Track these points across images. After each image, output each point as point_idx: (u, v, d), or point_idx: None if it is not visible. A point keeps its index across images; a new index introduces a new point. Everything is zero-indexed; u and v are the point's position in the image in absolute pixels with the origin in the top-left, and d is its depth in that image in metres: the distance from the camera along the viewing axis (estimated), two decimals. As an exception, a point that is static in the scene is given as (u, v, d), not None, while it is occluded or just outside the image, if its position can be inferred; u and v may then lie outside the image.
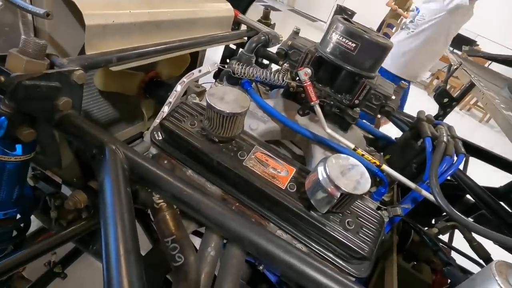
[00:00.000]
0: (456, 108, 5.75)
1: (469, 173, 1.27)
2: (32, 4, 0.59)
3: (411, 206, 0.65)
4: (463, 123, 5.54)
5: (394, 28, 5.65)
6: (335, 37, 0.62)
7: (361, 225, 0.58)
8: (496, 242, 0.46)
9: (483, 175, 1.16)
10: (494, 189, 1.16)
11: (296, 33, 0.73)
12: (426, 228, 1.06)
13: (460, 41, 6.68)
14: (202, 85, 0.90)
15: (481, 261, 0.83)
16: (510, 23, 6.94)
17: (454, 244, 1.13)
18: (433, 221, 1.20)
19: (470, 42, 6.63)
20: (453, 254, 0.99)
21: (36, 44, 0.45)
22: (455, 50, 6.46)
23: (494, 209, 0.75)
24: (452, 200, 1.23)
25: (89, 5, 0.61)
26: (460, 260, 0.98)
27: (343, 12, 7.30)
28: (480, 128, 5.80)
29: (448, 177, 0.77)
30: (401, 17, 6.14)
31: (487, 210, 0.77)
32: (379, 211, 0.64)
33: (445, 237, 1.14)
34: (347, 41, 0.60)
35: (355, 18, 6.20)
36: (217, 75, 1.05)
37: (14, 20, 0.59)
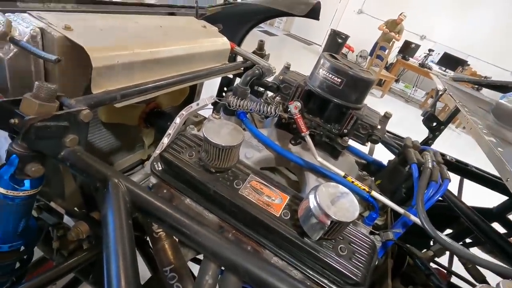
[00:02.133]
0: (452, 126, 5.83)
1: (471, 191, 1.29)
2: (44, 50, 0.65)
3: (402, 230, 0.67)
4: (460, 140, 5.60)
5: (387, 50, 5.88)
6: (322, 72, 0.67)
7: (353, 250, 0.60)
8: (481, 266, 0.49)
9: (488, 193, 1.17)
10: (488, 209, 1.18)
11: (287, 68, 0.79)
12: (424, 250, 1.07)
13: (452, 62, 6.94)
14: (203, 111, 0.94)
15: (477, 284, 0.83)
16: (499, 43, 7.20)
17: (457, 265, 1.13)
18: (431, 243, 1.21)
19: (462, 63, 6.86)
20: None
21: (48, 89, 0.49)
22: (447, 70, 6.65)
23: (485, 231, 0.77)
24: (449, 222, 1.24)
25: (96, 48, 0.66)
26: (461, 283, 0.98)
27: (337, 36, 7.59)
28: (476, 145, 5.86)
29: (442, 200, 0.81)
30: (393, 39, 6.41)
31: (478, 232, 0.78)
32: (371, 236, 0.66)
33: (445, 259, 1.15)
34: (333, 76, 0.66)
35: (349, 41, 6.43)
36: (215, 104, 1.10)
37: (26, 64, 0.64)
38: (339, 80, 0.65)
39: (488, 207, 1.20)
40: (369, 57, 7.45)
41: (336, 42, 7.67)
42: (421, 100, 7.17)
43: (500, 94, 1.29)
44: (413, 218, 0.63)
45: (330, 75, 0.66)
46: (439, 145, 1.33)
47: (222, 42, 1.13)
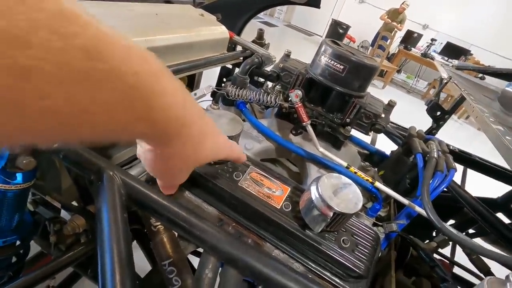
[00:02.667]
0: (454, 117, 5.79)
1: (475, 182, 1.27)
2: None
3: (406, 221, 0.66)
4: (461, 132, 5.56)
5: (389, 41, 5.79)
6: (324, 59, 0.65)
7: (356, 243, 0.59)
8: (488, 257, 0.47)
9: (491, 183, 1.16)
10: (493, 200, 1.16)
11: (287, 55, 0.76)
12: (427, 241, 1.06)
13: (455, 51, 6.85)
14: (202, 102, 0.92)
15: (481, 275, 0.82)
16: (501, 31, 7.09)
17: (459, 256, 1.12)
18: (434, 233, 1.20)
19: (464, 52, 6.76)
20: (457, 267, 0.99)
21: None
22: (449, 60, 6.58)
23: (490, 222, 0.75)
24: (452, 212, 1.23)
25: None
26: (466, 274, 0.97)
27: (338, 26, 7.49)
28: (478, 136, 5.82)
29: (446, 190, 0.79)
30: (395, 29, 6.31)
31: (483, 223, 0.77)
32: (374, 228, 0.65)
33: (448, 250, 1.14)
34: (335, 63, 0.63)
35: (350, 31, 6.35)
36: (214, 94, 1.08)
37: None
38: (342, 67, 0.63)
39: (492, 197, 1.18)
40: (370, 48, 7.36)
41: (337, 33, 7.57)
42: (423, 91, 7.10)
43: (505, 82, 1.26)
44: (418, 209, 0.61)
45: (332, 62, 0.63)
46: (441, 136, 1.31)
47: (221, 31, 1.10)
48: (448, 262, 0.94)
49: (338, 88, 0.64)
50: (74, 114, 0.20)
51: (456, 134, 5.30)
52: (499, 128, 0.72)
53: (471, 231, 1.28)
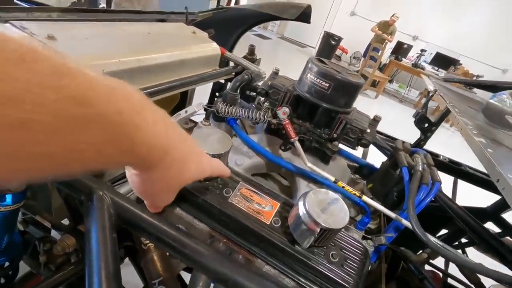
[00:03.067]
0: (446, 125, 5.88)
1: (467, 190, 1.28)
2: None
3: (395, 234, 0.67)
4: (453, 140, 5.64)
5: (380, 52, 5.93)
6: (310, 77, 0.67)
7: (345, 257, 0.60)
8: (468, 269, 0.48)
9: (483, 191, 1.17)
10: (482, 209, 1.18)
11: (275, 73, 0.78)
12: (420, 252, 1.07)
13: (444, 61, 7.02)
14: (195, 116, 0.93)
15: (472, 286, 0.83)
16: (489, 41, 7.30)
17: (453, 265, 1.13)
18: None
19: (454, 62, 6.93)
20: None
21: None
22: (439, 70, 6.72)
23: (477, 232, 0.77)
24: (443, 222, 1.24)
25: (80, 58, 0.65)
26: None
27: (330, 38, 7.65)
28: (472, 143, 5.90)
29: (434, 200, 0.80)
30: (386, 41, 6.46)
31: (471, 233, 0.78)
32: (363, 241, 0.66)
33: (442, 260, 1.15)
34: (321, 81, 0.65)
35: (342, 43, 6.49)
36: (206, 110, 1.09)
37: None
38: (327, 84, 0.65)
39: (482, 206, 1.20)
40: (363, 58, 7.51)
41: (329, 44, 7.73)
42: (415, 100, 7.23)
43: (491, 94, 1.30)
44: (405, 222, 0.62)
45: (318, 80, 0.66)
46: (434, 144, 1.34)
47: (212, 48, 1.13)
48: (440, 273, 0.94)
49: (324, 105, 0.67)
50: (65, 154, 0.22)
51: (449, 142, 5.38)
52: (481, 141, 0.74)
53: (464, 240, 1.30)
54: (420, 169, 0.66)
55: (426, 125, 1.12)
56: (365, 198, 0.65)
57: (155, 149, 0.30)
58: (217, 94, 1.50)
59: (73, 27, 0.78)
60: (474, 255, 1.14)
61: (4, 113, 0.17)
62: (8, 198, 0.51)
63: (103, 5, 3.57)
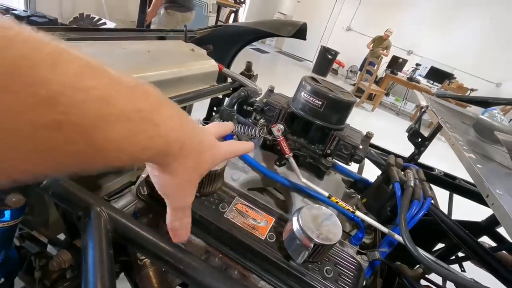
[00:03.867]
0: (443, 138, 5.93)
1: (464, 203, 1.28)
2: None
3: (388, 249, 0.68)
4: (450, 153, 5.67)
5: (376, 66, 6.05)
6: (303, 95, 0.69)
7: (339, 272, 0.60)
8: (460, 285, 0.49)
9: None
10: (476, 223, 1.19)
11: (271, 91, 0.81)
12: (417, 267, 1.07)
13: (439, 75, 7.15)
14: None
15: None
16: (483, 55, 7.46)
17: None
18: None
19: (448, 76, 7.07)
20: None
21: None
22: (434, 83, 6.83)
23: (471, 247, 0.77)
24: (440, 237, 1.25)
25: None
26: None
27: (327, 52, 7.81)
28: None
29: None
30: (381, 55, 6.61)
31: (465, 248, 0.79)
32: (358, 256, 0.66)
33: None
34: (314, 99, 0.68)
35: (339, 57, 6.62)
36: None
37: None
38: (320, 102, 0.67)
39: (477, 220, 1.21)
40: (359, 72, 7.65)
41: (326, 58, 7.88)
42: (412, 113, 7.32)
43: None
44: (397, 237, 0.63)
45: (311, 98, 0.68)
46: (430, 157, 1.35)
47: (210, 65, 1.16)
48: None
49: (317, 122, 0.69)
50: (92, 152, 0.23)
51: (446, 154, 5.41)
52: (471, 156, 0.76)
53: (461, 254, 1.30)
54: (412, 184, 0.68)
55: (419, 139, 1.15)
56: (358, 213, 0.66)
57: (172, 143, 0.32)
58: (214, 109, 1.53)
59: (74, 46, 0.81)
60: (473, 269, 1.14)
61: (40, 115, 0.18)
62: (7, 214, 0.52)
63: (104, 20, 3.66)
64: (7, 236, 0.54)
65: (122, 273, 0.86)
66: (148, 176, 0.69)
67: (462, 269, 1.28)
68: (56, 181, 0.55)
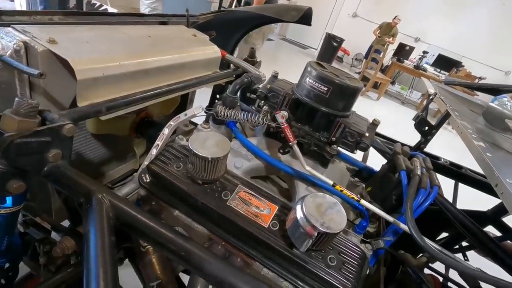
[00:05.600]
0: (449, 127, 5.85)
1: (469, 192, 1.26)
2: (28, 63, 0.64)
3: (393, 238, 0.67)
4: (456, 142, 5.61)
5: (382, 53, 5.92)
6: (309, 81, 0.67)
7: (343, 261, 0.60)
8: (465, 275, 0.48)
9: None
10: (482, 213, 1.18)
11: (275, 76, 0.79)
12: (419, 256, 1.06)
13: (447, 63, 6.99)
14: (195, 118, 0.93)
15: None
16: (491, 43, 7.27)
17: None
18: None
19: (456, 64, 6.91)
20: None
21: (28, 105, 0.49)
22: (442, 71, 6.70)
23: (476, 236, 0.76)
24: (444, 226, 1.24)
25: (81, 61, 0.66)
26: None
27: (332, 40, 7.65)
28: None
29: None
30: (387, 43, 6.46)
31: (470, 237, 0.78)
32: (362, 245, 0.66)
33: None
34: (319, 85, 0.65)
35: (344, 44, 6.48)
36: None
37: (10, 77, 0.63)
38: (326, 88, 0.65)
39: (482, 210, 1.20)
40: (364, 60, 7.50)
41: (331, 46, 7.72)
42: (417, 102, 7.20)
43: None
44: (403, 226, 0.62)
45: (317, 84, 0.66)
46: (436, 146, 1.32)
47: (213, 51, 1.13)
48: (439, 277, 0.94)
49: (323, 109, 0.67)
50: None
51: (452, 144, 5.35)
52: (480, 145, 0.74)
53: (465, 243, 1.29)
54: (419, 173, 0.66)
55: (426, 128, 1.12)
56: (363, 201, 0.65)
57: None
58: (217, 96, 1.50)
59: (74, 30, 0.79)
60: (475, 258, 1.13)
61: None
62: (9, 200, 0.52)
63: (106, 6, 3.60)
64: (10, 222, 0.54)
65: (127, 260, 0.87)
66: (150, 163, 0.69)
67: (466, 258, 1.28)
68: (57, 168, 0.54)
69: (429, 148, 1.24)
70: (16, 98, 0.49)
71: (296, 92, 0.71)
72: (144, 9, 3.44)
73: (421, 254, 1.10)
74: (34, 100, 0.51)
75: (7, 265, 0.61)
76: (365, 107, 5.68)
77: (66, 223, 0.85)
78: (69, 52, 0.65)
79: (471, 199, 1.40)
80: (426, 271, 0.98)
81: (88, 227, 0.47)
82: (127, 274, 0.84)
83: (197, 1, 4.54)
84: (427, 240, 0.57)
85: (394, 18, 6.49)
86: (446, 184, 1.23)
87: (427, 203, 0.63)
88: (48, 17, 0.83)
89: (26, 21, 0.78)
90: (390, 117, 5.92)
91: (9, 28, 0.65)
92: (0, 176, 0.48)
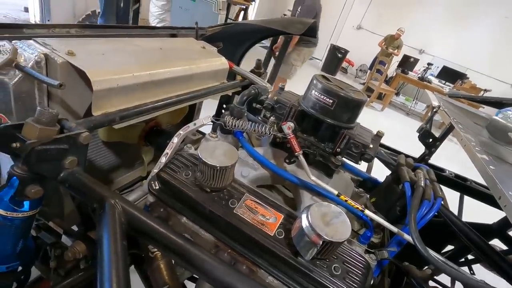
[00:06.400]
0: (454, 139, 5.82)
1: (475, 205, 1.26)
2: (48, 74, 0.68)
3: (397, 249, 0.68)
4: (461, 154, 5.56)
5: (386, 65, 5.96)
6: (314, 94, 0.70)
7: (347, 270, 0.60)
8: (468, 286, 0.49)
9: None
10: (487, 226, 1.17)
11: (281, 88, 0.81)
12: (425, 268, 1.06)
13: (451, 75, 7.00)
14: (203, 127, 0.95)
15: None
16: (496, 55, 7.28)
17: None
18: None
19: (461, 76, 6.92)
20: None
21: (49, 114, 0.52)
22: (446, 83, 6.69)
23: (482, 249, 0.77)
24: (449, 238, 1.23)
25: (97, 72, 0.69)
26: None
27: (336, 51, 7.74)
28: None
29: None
30: (392, 54, 6.51)
31: (475, 250, 0.78)
32: (366, 255, 0.66)
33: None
34: (324, 97, 0.68)
35: (349, 56, 6.54)
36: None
37: (30, 87, 0.67)
38: (331, 101, 0.67)
39: (488, 223, 1.19)
40: (369, 71, 7.55)
41: (336, 57, 7.81)
42: (422, 113, 7.19)
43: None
44: (407, 237, 0.63)
45: (322, 96, 0.68)
46: (442, 158, 1.32)
47: (221, 62, 1.17)
48: (444, 289, 0.93)
49: (328, 120, 0.69)
50: None
51: (457, 155, 5.31)
52: (484, 158, 0.75)
53: (470, 256, 1.28)
54: (422, 184, 0.67)
55: (431, 140, 1.13)
56: (367, 212, 0.66)
57: None
58: (224, 106, 1.54)
59: (90, 43, 0.82)
60: (482, 272, 1.12)
61: None
62: (26, 204, 0.54)
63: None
64: (26, 225, 0.56)
65: (132, 266, 0.88)
66: (160, 170, 0.71)
67: (472, 271, 1.27)
68: (73, 174, 0.57)
69: (435, 160, 1.25)
70: (38, 108, 0.52)
71: (302, 104, 0.73)
72: (153, 20, 3.54)
73: (426, 267, 1.10)
74: (53, 109, 0.54)
75: (20, 268, 0.63)
76: (369, 118, 5.69)
77: (74, 227, 0.87)
78: (86, 64, 0.68)
79: (478, 212, 1.39)
80: (431, 283, 0.98)
81: (102, 232, 0.49)
82: (132, 281, 0.85)
83: (204, 12, 4.64)
84: (430, 251, 0.58)
85: (398, 30, 6.56)
86: (452, 196, 1.23)
87: (430, 215, 0.64)
88: (66, 29, 0.88)
89: (45, 33, 0.83)
90: (395, 128, 5.91)
91: (31, 41, 0.69)
92: (20, 181, 0.50)
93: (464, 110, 1.33)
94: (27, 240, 0.60)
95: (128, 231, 0.54)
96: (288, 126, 0.67)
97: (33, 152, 0.49)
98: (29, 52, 0.65)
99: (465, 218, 1.31)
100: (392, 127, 5.94)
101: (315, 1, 3.78)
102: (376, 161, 1.13)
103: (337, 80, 0.75)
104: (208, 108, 1.55)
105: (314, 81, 0.71)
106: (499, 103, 1.34)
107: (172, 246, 0.52)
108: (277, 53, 3.49)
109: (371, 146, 0.70)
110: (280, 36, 3.70)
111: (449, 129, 1.07)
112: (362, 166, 0.91)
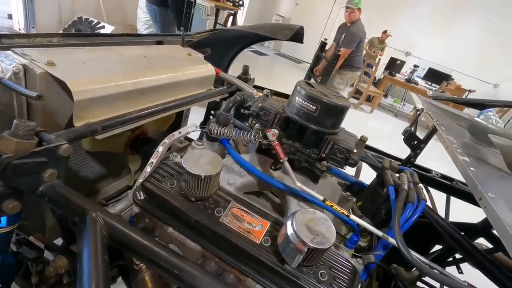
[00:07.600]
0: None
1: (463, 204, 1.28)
2: (27, 85, 0.66)
3: (383, 252, 0.68)
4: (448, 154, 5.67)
5: (374, 67, 6.06)
6: (298, 100, 0.70)
7: (334, 276, 0.61)
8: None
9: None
10: (473, 225, 1.19)
11: (266, 95, 0.82)
12: (413, 269, 1.07)
13: (437, 76, 7.16)
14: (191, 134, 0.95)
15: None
16: (480, 57, 7.48)
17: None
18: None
19: (446, 77, 7.09)
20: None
21: (26, 127, 0.50)
22: (432, 84, 6.84)
23: (466, 248, 0.78)
24: (436, 238, 1.25)
25: (78, 82, 0.68)
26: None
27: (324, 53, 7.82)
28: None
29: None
30: (378, 57, 6.63)
31: (460, 250, 0.79)
32: (352, 260, 0.67)
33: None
34: (308, 104, 0.68)
35: (336, 59, 6.47)
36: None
37: (9, 99, 0.65)
38: (314, 107, 0.68)
39: (473, 222, 1.21)
40: (357, 74, 7.66)
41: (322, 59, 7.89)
42: (410, 114, 7.31)
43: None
44: (391, 240, 0.64)
45: (306, 103, 0.69)
46: (430, 158, 1.34)
47: (207, 69, 1.17)
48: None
49: (312, 127, 0.69)
50: None
51: (445, 155, 5.42)
52: (465, 159, 0.77)
53: (458, 255, 1.30)
54: (406, 187, 0.68)
55: (415, 142, 1.15)
56: (353, 216, 0.66)
57: None
58: (212, 112, 1.53)
59: (72, 52, 0.81)
60: (470, 270, 1.14)
61: None
62: (3, 220, 0.52)
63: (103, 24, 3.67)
64: (4, 242, 0.54)
65: (120, 278, 0.86)
66: (144, 181, 0.70)
67: (460, 271, 1.29)
68: (52, 187, 0.55)
69: (424, 159, 1.27)
70: (15, 120, 0.50)
71: (286, 110, 0.74)
72: (141, 26, 3.52)
73: (414, 268, 1.11)
74: (32, 121, 0.52)
75: (-1, 285, 0.61)
76: (359, 120, 5.76)
77: (59, 241, 0.85)
78: (67, 74, 0.67)
79: (467, 210, 1.42)
80: (420, 284, 0.99)
81: (82, 246, 0.48)
82: (120, 292, 0.84)
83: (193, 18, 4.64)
84: (414, 253, 0.59)
85: (384, 32, 6.71)
86: (440, 196, 1.24)
87: (414, 217, 0.65)
88: (47, 39, 0.86)
89: (26, 43, 0.81)
90: (384, 129, 6.00)
91: (9, 52, 0.67)
92: (-4, 196, 0.49)
93: (448, 112, 1.36)
94: (6, 256, 0.58)
95: (110, 244, 0.53)
96: (273, 133, 0.67)
97: (9, 167, 0.48)
98: (7, 63, 0.64)
99: (454, 217, 1.33)
100: (381, 128, 6.03)
101: (360, 29, 3.89)
102: (364, 165, 1.14)
103: (320, 87, 0.75)
104: (197, 114, 1.54)
105: (298, 88, 0.72)
106: (480, 105, 1.38)
107: (155, 259, 0.52)
108: (317, 75, 3.57)
109: (355, 151, 0.70)
110: (323, 60, 3.80)
111: (433, 131, 1.09)
112: (351, 170, 0.92)
